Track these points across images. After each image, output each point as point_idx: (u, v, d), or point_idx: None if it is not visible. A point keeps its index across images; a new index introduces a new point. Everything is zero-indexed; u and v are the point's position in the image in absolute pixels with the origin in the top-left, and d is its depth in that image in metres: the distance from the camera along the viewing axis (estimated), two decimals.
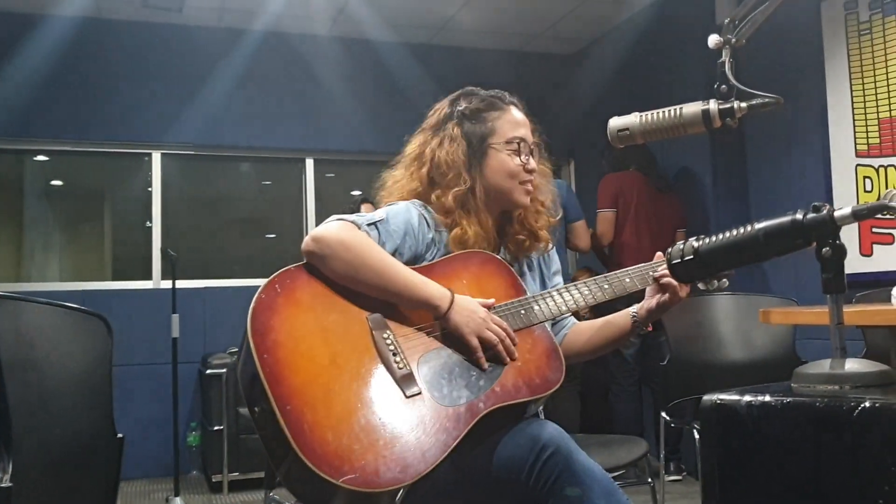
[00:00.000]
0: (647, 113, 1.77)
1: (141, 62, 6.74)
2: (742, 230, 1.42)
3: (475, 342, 2.09)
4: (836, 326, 1.36)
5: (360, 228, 2.16)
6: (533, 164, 2.39)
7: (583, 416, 5.88)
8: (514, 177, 2.37)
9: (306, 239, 2.13)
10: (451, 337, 2.13)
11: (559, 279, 2.55)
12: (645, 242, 5.74)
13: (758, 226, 1.40)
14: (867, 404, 1.17)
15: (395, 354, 2.04)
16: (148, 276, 6.78)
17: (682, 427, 3.95)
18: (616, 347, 2.75)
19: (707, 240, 1.46)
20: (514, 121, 2.40)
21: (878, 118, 4.89)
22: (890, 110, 4.83)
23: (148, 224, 6.84)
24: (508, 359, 2.12)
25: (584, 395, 5.91)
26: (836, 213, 1.33)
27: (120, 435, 2.11)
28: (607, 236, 5.96)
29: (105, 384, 2.12)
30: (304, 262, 2.14)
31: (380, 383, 1.99)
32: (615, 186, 5.98)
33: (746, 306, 3.98)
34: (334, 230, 2.13)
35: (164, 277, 6.63)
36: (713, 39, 1.66)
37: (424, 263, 2.25)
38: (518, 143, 2.37)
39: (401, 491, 1.88)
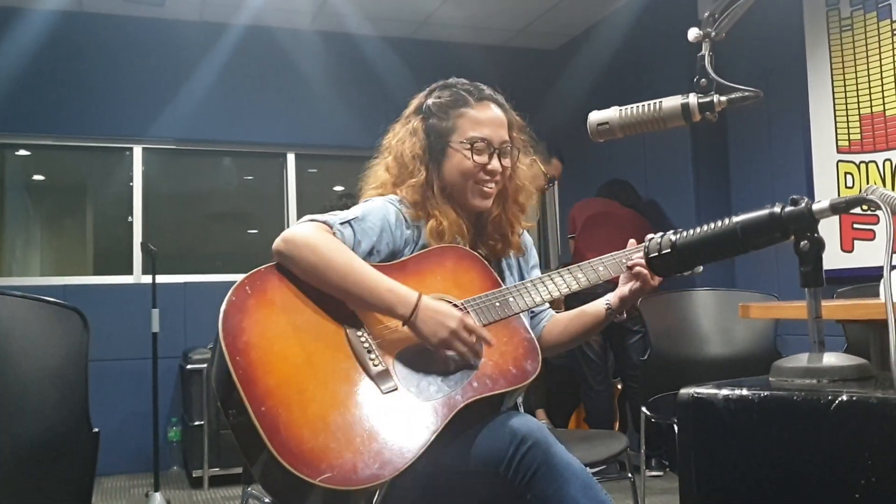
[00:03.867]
0: (626, 107, 1.76)
1: (122, 56, 6.70)
2: (720, 224, 1.41)
3: (442, 353, 2.08)
4: (813, 320, 1.36)
5: (332, 228, 2.14)
6: (496, 165, 2.34)
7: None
8: (469, 177, 2.33)
9: (277, 239, 2.11)
10: None
11: (537, 272, 2.54)
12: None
13: (735, 219, 1.39)
14: (844, 398, 1.16)
15: (369, 352, 2.02)
16: (129, 271, 6.75)
17: (663, 422, 3.94)
18: (591, 336, 2.75)
19: (685, 233, 1.45)
20: (478, 119, 2.35)
21: (860, 114, 4.91)
22: (871, 106, 4.85)
23: (129, 219, 6.81)
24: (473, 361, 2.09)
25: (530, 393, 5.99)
26: (814, 207, 1.33)
27: (95, 429, 2.09)
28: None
29: (80, 378, 2.11)
30: (276, 262, 2.12)
31: (355, 381, 1.97)
32: (572, 213, 6.35)
33: (727, 301, 3.99)
34: (303, 231, 2.10)
35: (144, 272, 6.60)
36: (693, 33, 1.65)
37: (399, 260, 2.23)
38: (475, 144, 2.32)
39: (378, 490, 1.86)
